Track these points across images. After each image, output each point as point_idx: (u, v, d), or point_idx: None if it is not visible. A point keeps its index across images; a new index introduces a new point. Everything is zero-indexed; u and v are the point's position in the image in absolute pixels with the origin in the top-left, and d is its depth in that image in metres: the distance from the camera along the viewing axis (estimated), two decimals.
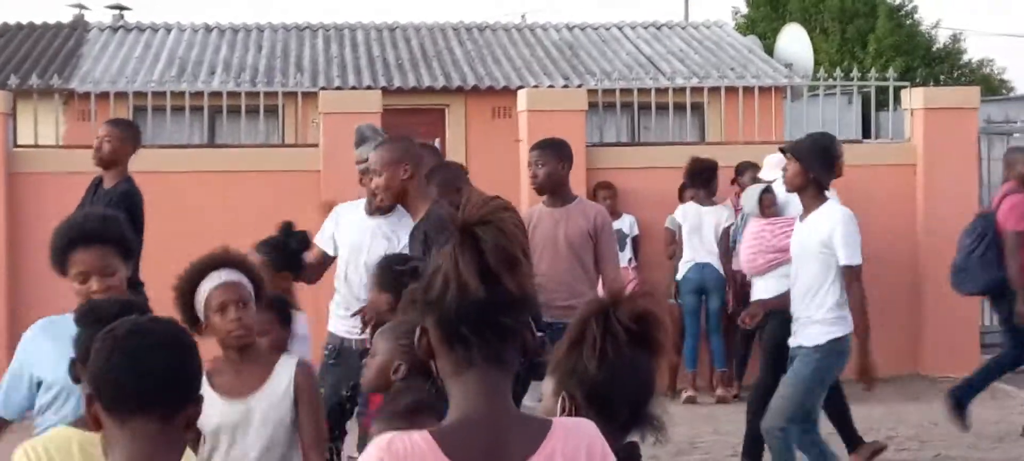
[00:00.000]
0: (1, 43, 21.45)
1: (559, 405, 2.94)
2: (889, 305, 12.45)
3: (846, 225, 7.11)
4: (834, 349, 7.12)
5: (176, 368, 2.79)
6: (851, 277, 7.12)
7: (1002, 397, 11.55)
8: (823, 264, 7.12)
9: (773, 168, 11.63)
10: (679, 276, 11.40)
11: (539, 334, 2.72)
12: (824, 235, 7.10)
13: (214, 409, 4.34)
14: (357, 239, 7.09)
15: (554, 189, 7.63)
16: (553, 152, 7.66)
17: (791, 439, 7.16)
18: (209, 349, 5.08)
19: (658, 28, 23.01)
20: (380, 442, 2.57)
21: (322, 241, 7.31)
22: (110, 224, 4.57)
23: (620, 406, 2.96)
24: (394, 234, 6.90)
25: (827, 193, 7.24)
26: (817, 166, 7.15)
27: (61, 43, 21.53)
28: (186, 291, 4.53)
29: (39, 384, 4.36)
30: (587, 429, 2.69)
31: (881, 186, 12.57)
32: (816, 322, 7.11)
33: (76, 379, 3.60)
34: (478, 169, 9.97)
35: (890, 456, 9.41)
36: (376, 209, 6.98)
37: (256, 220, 8.80)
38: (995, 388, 11.83)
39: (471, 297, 2.56)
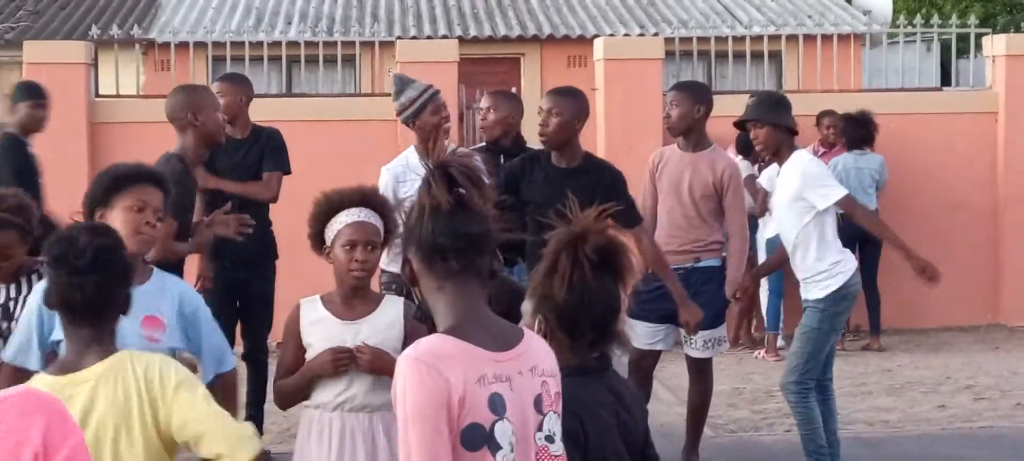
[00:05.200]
0: None
1: (537, 325, 3.33)
2: (968, 254, 12.36)
3: (806, 170, 7.00)
4: (837, 296, 7.00)
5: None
6: (846, 208, 7.06)
7: None
8: (798, 217, 7.01)
9: None
10: (770, 235, 11.23)
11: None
12: (793, 188, 7.00)
13: (328, 328, 4.66)
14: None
15: (686, 132, 7.55)
16: (687, 94, 7.56)
17: (808, 393, 7.09)
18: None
19: None
20: (407, 353, 2.92)
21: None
22: (166, 181, 4.62)
23: (585, 327, 3.33)
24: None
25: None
26: (782, 117, 7.06)
27: None
28: (321, 216, 4.68)
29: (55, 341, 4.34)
30: (545, 345, 3.18)
31: (961, 134, 12.44)
32: (814, 275, 7.01)
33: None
34: None
35: (970, 406, 9.37)
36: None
37: (333, 169, 8.89)
38: None
39: (443, 213, 2.97)
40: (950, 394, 9.73)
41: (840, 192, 7.03)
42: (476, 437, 2.90)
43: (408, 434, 2.86)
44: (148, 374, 3.48)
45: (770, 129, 7.08)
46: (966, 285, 12.35)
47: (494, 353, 2.97)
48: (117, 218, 4.35)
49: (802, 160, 7.08)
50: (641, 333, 7.42)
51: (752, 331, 11.71)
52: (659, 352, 7.61)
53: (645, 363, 7.51)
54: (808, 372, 7.05)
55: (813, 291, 7.04)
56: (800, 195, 6.99)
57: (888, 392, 9.82)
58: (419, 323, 4.65)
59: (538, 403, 3.05)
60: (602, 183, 6.69)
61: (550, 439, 3.08)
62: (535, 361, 3.07)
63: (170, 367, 3.55)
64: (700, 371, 7.67)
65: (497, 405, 2.93)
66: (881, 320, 11.63)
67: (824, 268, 7.00)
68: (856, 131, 11.39)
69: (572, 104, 6.81)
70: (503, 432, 2.93)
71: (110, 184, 4.44)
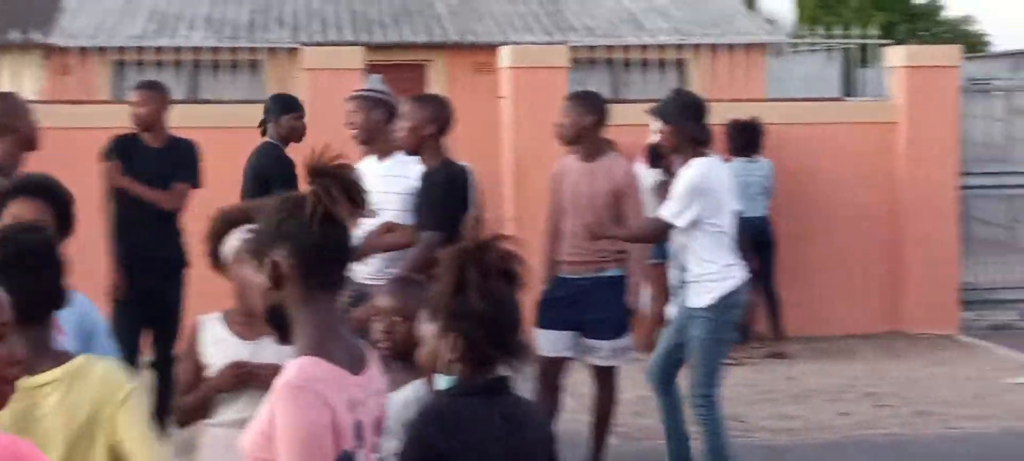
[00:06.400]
0: None
1: (450, 345, 3.18)
2: (870, 262, 12.53)
3: (687, 184, 7.02)
4: (723, 304, 7.05)
5: None
6: (656, 225, 7.15)
7: (981, 353, 11.65)
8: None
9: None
10: None
11: None
12: (678, 192, 7.08)
13: (228, 347, 4.55)
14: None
15: (578, 141, 7.57)
16: (577, 104, 7.58)
17: (714, 405, 7.14)
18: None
19: None
20: (289, 380, 2.83)
21: None
22: (54, 188, 4.58)
23: (509, 333, 3.23)
24: (404, 175, 7.08)
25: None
26: (683, 121, 7.11)
27: None
28: (218, 231, 4.59)
29: None
30: (379, 363, 3.15)
31: (862, 144, 12.60)
32: (699, 280, 7.06)
33: None
34: (459, 126, 9.95)
35: (871, 413, 9.49)
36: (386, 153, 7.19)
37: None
38: (973, 345, 11.96)
39: (335, 223, 2.90)
40: (852, 401, 9.84)
41: (673, 218, 7.03)
42: None
43: None
44: (107, 378, 3.54)
45: (672, 128, 7.13)
46: (868, 293, 12.51)
47: (355, 377, 2.92)
48: None
49: (696, 169, 7.08)
50: (546, 341, 7.46)
51: (655, 338, 11.75)
52: (566, 360, 7.63)
53: (552, 372, 7.53)
54: (712, 383, 7.10)
55: (698, 298, 7.08)
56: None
57: (791, 399, 9.91)
58: None
59: (377, 425, 3.02)
60: (436, 184, 6.79)
61: None
62: (377, 382, 3.05)
63: (123, 374, 3.59)
64: (605, 379, 7.71)
65: (359, 431, 2.89)
66: (784, 327, 11.75)
67: (709, 273, 7.04)
68: (741, 137, 11.52)
69: (420, 110, 6.94)
70: (361, 460, 2.90)
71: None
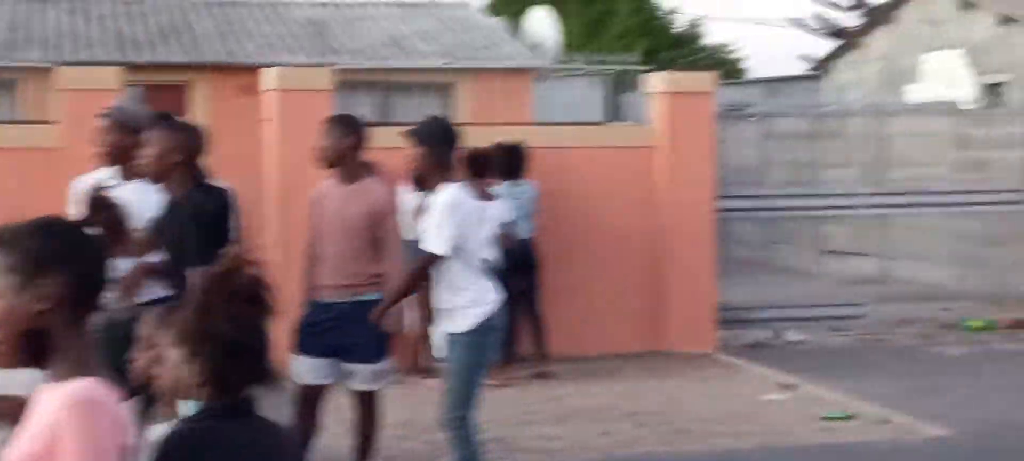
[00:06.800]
0: None
1: (195, 370, 3.17)
2: (631, 283, 12.77)
3: (439, 211, 7.05)
4: (480, 328, 7.08)
5: None
6: (422, 262, 7.13)
7: (737, 371, 11.97)
8: None
9: None
10: None
11: None
12: (431, 219, 7.12)
13: None
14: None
15: (336, 163, 7.50)
16: (335, 126, 7.50)
17: (470, 427, 7.15)
18: None
19: (408, 7, 22.98)
20: (83, 397, 2.78)
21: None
22: None
23: (255, 358, 3.23)
24: (147, 201, 6.86)
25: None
26: (433, 144, 7.16)
27: None
28: None
29: None
30: None
31: (623, 168, 12.85)
32: (455, 307, 7.08)
33: None
34: (223, 148, 9.77)
35: (632, 432, 9.65)
36: (134, 174, 6.99)
37: None
38: (730, 363, 12.29)
39: (105, 250, 2.96)
40: (614, 421, 9.99)
41: (436, 248, 7.03)
42: None
43: None
44: None
45: (424, 152, 7.16)
46: (630, 313, 12.75)
47: (120, 401, 2.91)
48: None
49: (446, 196, 7.10)
50: (305, 368, 7.39)
51: (420, 360, 11.76)
52: (325, 385, 7.55)
53: (310, 398, 7.45)
54: (468, 406, 7.12)
55: (455, 323, 7.09)
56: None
57: (554, 420, 10.01)
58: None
59: (126, 453, 2.98)
60: (182, 215, 6.68)
61: None
62: (128, 407, 3.04)
63: None
64: (367, 404, 7.65)
65: (126, 455, 2.87)
66: (548, 347, 11.87)
67: (464, 302, 7.07)
68: (507, 160, 11.65)
69: (166, 137, 6.78)
70: None
71: None
